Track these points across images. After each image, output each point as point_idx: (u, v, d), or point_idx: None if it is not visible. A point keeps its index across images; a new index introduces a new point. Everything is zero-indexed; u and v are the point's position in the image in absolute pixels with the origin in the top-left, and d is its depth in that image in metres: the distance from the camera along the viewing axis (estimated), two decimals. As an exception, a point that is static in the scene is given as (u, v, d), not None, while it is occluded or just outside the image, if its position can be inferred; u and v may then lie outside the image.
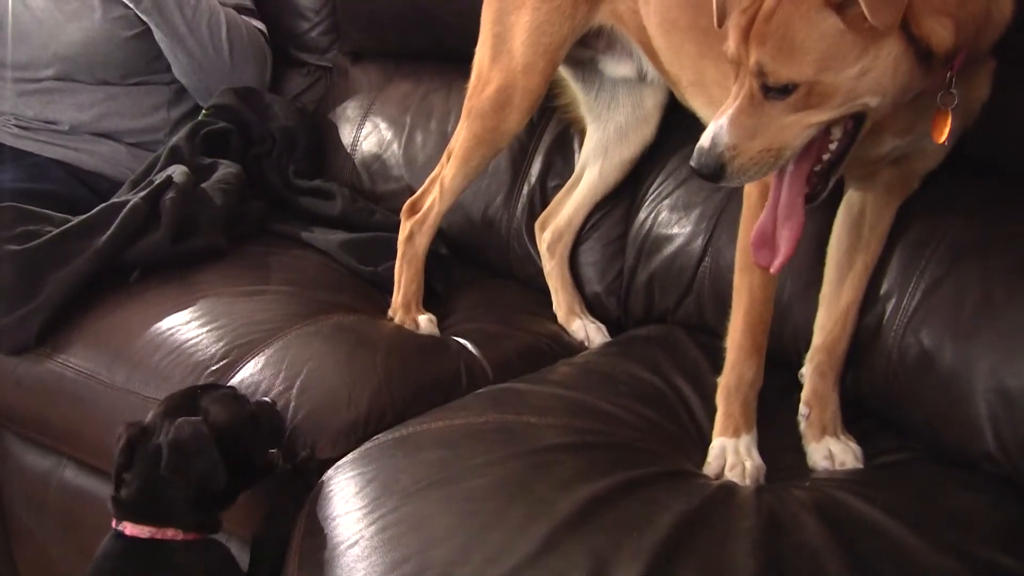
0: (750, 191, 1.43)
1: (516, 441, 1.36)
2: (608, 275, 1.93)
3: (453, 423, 1.42)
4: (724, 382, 1.44)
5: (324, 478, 1.37)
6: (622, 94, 1.86)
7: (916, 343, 1.44)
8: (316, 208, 2.10)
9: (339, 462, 1.39)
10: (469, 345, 1.73)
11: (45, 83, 2.25)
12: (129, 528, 1.34)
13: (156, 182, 1.90)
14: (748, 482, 1.34)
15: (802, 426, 1.45)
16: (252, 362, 1.59)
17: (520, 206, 2.02)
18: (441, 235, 1.91)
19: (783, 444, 1.44)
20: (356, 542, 1.23)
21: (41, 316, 1.71)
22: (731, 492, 1.30)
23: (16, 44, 2.23)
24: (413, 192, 1.91)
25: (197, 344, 1.63)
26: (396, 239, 1.85)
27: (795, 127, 1.19)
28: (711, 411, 1.45)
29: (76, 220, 1.83)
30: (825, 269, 1.51)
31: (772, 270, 1.29)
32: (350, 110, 2.30)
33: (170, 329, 1.67)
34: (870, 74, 1.16)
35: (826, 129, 1.22)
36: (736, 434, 1.40)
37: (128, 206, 1.82)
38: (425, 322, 1.79)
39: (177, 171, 1.95)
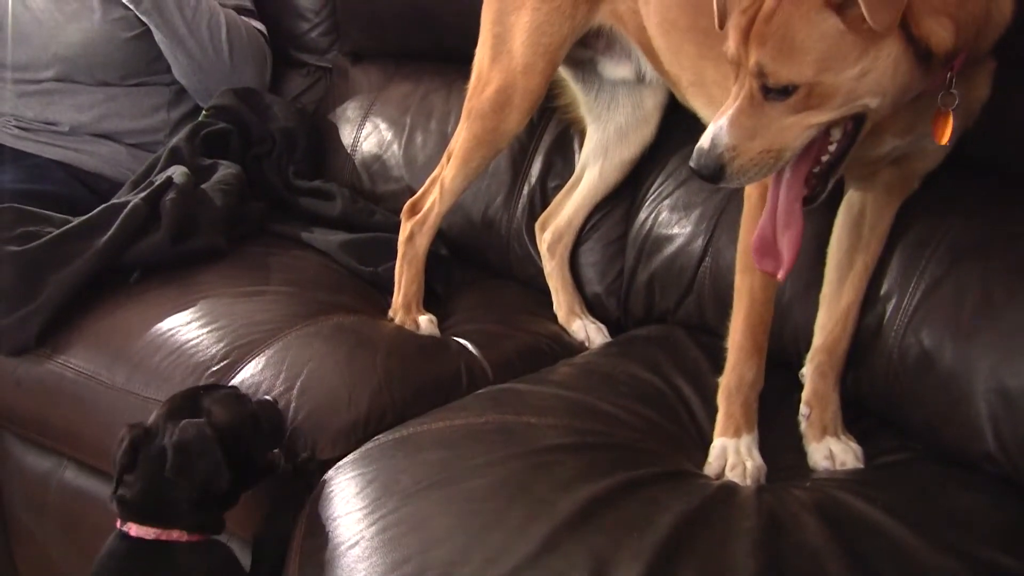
0: (750, 192, 1.43)
1: (516, 441, 1.36)
2: (608, 275, 1.93)
3: (453, 424, 1.42)
4: (725, 382, 1.44)
5: (325, 479, 1.37)
6: (622, 95, 1.86)
7: (916, 343, 1.44)
8: (316, 209, 2.10)
9: (339, 463, 1.39)
10: (469, 345, 1.73)
11: (45, 84, 2.25)
12: (134, 529, 1.34)
13: (156, 183, 1.90)
14: (749, 482, 1.34)
15: (803, 426, 1.45)
16: (252, 363, 1.59)
17: (520, 207, 2.02)
18: (441, 236, 1.91)
19: (784, 444, 1.44)
20: (357, 542, 1.23)
21: (41, 317, 1.71)
22: (732, 492, 1.30)
23: (16, 45, 2.23)
24: (413, 193, 1.91)
25: (197, 345, 1.64)
26: (396, 240, 1.85)
27: (795, 128, 1.19)
28: (712, 411, 1.45)
29: (76, 221, 1.83)
30: (825, 269, 1.51)
31: (779, 277, 1.29)
32: (350, 111, 2.30)
33: (170, 330, 1.67)
34: (870, 75, 1.16)
35: (825, 130, 1.22)
36: (737, 434, 1.40)
37: (128, 207, 1.82)
38: (425, 323, 1.79)
39: (177, 172, 1.95)
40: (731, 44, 1.21)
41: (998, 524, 1.27)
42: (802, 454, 1.43)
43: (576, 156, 1.98)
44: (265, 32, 2.38)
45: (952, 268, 1.44)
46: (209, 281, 1.81)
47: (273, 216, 2.08)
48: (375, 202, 2.15)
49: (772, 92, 1.18)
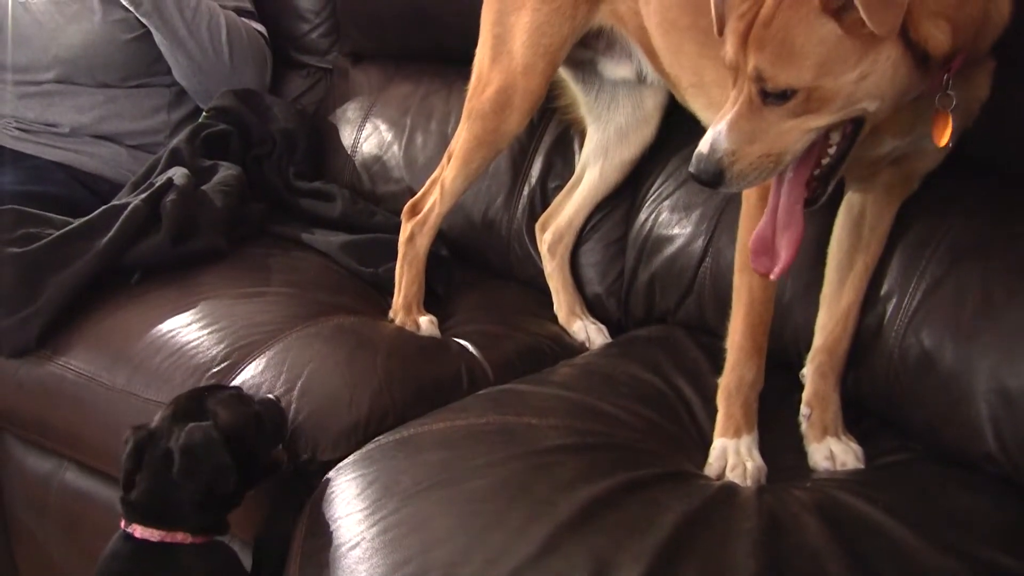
0: (749, 193, 1.43)
1: (517, 442, 1.36)
2: (609, 276, 1.94)
3: (454, 424, 1.42)
4: (725, 383, 1.44)
5: (325, 480, 1.37)
6: (622, 95, 1.86)
7: (917, 343, 1.44)
8: (316, 210, 2.10)
9: (340, 463, 1.39)
10: (470, 346, 1.73)
11: (45, 86, 2.25)
12: (139, 531, 1.34)
13: (157, 184, 1.91)
14: (749, 483, 1.34)
15: (803, 427, 1.45)
16: (253, 364, 1.59)
17: (520, 207, 2.02)
18: (442, 236, 1.91)
19: (784, 445, 1.44)
20: (357, 543, 1.23)
21: (42, 318, 1.71)
22: (732, 493, 1.30)
23: (16, 47, 2.23)
24: (414, 193, 1.91)
25: (198, 346, 1.64)
26: (396, 240, 1.85)
27: (794, 132, 1.19)
28: (712, 412, 1.45)
29: (77, 222, 1.83)
30: (826, 270, 1.51)
31: (772, 277, 1.29)
32: (350, 112, 2.31)
33: (171, 331, 1.67)
34: (869, 79, 1.16)
35: (825, 133, 1.22)
36: (737, 435, 1.40)
37: (129, 208, 1.83)
38: (426, 323, 1.79)
39: (178, 173, 1.95)
40: (729, 49, 1.21)
41: (998, 524, 1.27)
42: (802, 454, 1.43)
43: (576, 157, 1.98)
44: (265, 33, 2.38)
45: (952, 268, 1.44)
46: (209, 282, 1.81)
47: (273, 217, 2.09)
48: (375, 203, 2.16)
49: (771, 96, 1.18)
